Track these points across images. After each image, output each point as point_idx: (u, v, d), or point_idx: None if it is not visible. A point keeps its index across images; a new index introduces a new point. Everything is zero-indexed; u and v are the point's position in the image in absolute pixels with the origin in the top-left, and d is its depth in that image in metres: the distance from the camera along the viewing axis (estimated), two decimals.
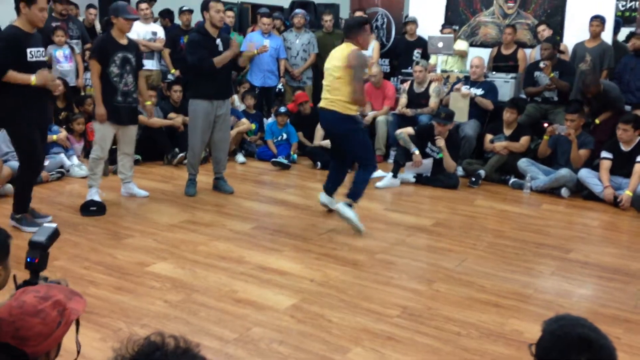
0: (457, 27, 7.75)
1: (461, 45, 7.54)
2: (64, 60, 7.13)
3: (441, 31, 7.55)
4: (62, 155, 6.05)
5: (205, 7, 5.26)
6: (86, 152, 6.47)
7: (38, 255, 1.85)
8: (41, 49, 4.24)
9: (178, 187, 5.64)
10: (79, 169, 6.00)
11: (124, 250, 4.03)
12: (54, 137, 6.13)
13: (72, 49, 7.24)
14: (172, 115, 6.87)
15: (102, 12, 9.06)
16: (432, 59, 7.44)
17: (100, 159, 5.00)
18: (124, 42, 4.93)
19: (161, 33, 7.72)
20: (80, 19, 8.29)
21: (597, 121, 6.26)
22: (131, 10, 5.01)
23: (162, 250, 4.06)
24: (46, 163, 5.71)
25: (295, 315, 3.18)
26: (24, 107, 4.13)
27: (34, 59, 4.14)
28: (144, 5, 7.63)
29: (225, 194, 5.49)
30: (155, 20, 8.39)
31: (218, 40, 5.22)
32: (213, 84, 5.23)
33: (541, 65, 6.40)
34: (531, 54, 7.25)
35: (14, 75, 4.03)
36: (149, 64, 7.51)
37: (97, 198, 4.97)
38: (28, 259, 1.87)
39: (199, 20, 8.73)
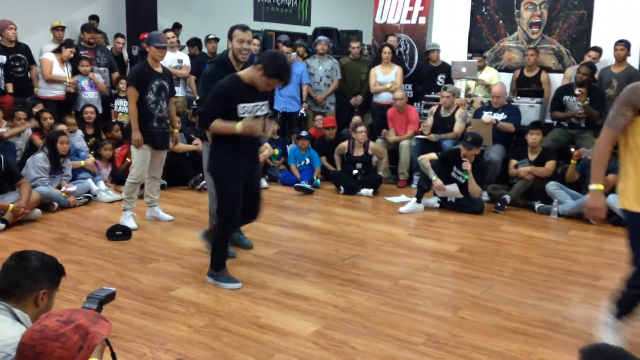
0: (486, 55, 7.70)
1: (488, 74, 7.46)
2: (89, 88, 7.34)
3: (469, 58, 7.55)
4: (90, 181, 6.16)
5: (229, 35, 4.40)
6: (113, 178, 6.59)
7: (95, 307, 1.97)
8: (259, 104, 3.80)
9: (202, 212, 5.67)
10: (106, 194, 6.10)
11: (148, 275, 4.05)
12: (82, 162, 6.26)
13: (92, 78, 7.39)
14: (196, 141, 6.95)
15: (130, 41, 9.31)
16: (457, 84, 7.41)
17: (137, 182, 5.16)
18: (159, 70, 5.11)
19: (187, 60, 7.89)
20: (109, 47, 8.50)
21: None
22: (163, 39, 5.15)
23: (186, 274, 4.08)
24: (74, 188, 5.85)
25: (319, 341, 3.14)
26: (232, 160, 3.79)
27: (245, 115, 3.72)
28: (170, 34, 7.82)
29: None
30: (181, 49, 8.57)
31: None
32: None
33: (576, 92, 6.32)
34: (567, 73, 7.14)
35: (219, 125, 3.68)
36: (175, 91, 7.65)
37: (132, 222, 5.10)
38: (83, 307, 1.96)
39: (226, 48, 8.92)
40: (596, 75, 6.84)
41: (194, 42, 8.78)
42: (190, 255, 4.49)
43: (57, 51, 7.25)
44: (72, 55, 7.30)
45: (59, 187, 5.81)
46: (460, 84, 7.36)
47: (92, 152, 6.64)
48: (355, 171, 6.87)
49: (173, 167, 6.55)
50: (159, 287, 3.83)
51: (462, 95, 7.34)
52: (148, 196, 5.42)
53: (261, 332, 3.23)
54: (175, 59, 7.77)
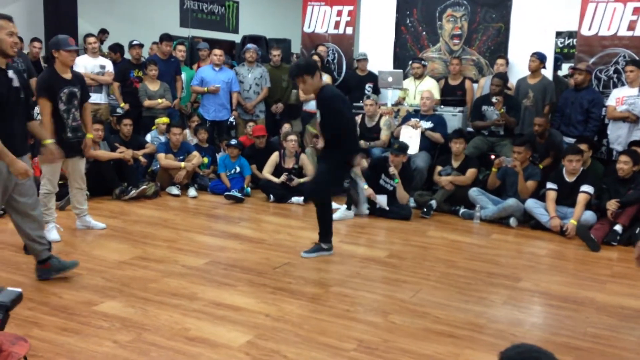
0: (426, 63, 7.76)
1: (427, 84, 7.52)
2: None
3: (410, 64, 7.70)
4: None
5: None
6: None
7: (1, 316, 1.87)
8: None
9: (128, 223, 5.50)
10: None
11: (70, 290, 3.87)
12: None
13: None
14: (121, 149, 6.74)
15: (48, 46, 8.91)
16: (401, 93, 7.51)
17: (50, 193, 4.91)
18: (68, 76, 4.82)
19: (109, 67, 7.64)
20: (25, 51, 8.11)
21: (540, 165, 6.45)
22: (72, 42, 4.83)
23: (111, 288, 3.93)
24: None
25: (250, 352, 3.11)
26: None
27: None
28: (92, 39, 7.56)
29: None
30: (105, 55, 8.31)
31: (11, 72, 3.70)
32: (8, 136, 3.64)
33: (493, 100, 6.61)
34: (480, 83, 7.47)
35: None
36: (97, 98, 7.39)
37: (54, 234, 4.88)
38: None
39: (151, 54, 8.71)
40: (511, 84, 7.18)
41: (117, 48, 8.52)
42: (115, 268, 4.32)
43: None
44: None
45: None
46: (390, 93, 7.51)
47: None
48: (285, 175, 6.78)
49: (96, 176, 6.32)
50: (81, 302, 3.67)
51: (389, 103, 7.51)
52: (76, 207, 5.23)
53: (191, 345, 3.15)
54: (97, 65, 7.51)
